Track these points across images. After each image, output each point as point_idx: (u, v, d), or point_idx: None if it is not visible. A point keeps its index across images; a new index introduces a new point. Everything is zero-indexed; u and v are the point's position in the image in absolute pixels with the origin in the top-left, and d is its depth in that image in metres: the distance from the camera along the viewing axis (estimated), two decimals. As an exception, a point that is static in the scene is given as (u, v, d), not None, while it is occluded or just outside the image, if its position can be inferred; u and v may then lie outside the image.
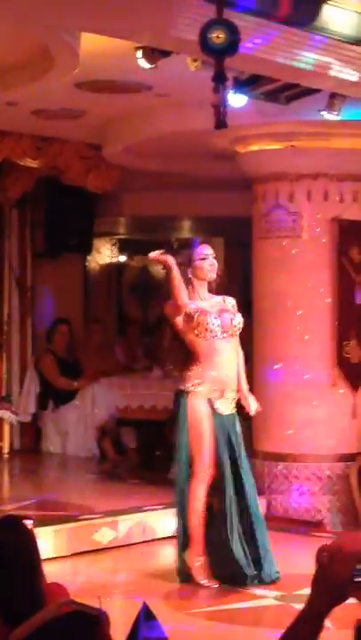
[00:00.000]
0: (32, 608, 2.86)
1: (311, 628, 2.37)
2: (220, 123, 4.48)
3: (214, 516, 6.51)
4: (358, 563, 2.32)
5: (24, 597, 2.90)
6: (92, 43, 6.13)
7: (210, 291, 6.72)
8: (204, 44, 4.31)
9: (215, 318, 6.56)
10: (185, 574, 6.52)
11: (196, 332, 6.53)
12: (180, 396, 6.59)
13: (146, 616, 2.96)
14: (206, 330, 6.52)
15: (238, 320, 6.69)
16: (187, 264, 6.59)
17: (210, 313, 6.57)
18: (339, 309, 8.70)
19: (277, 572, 6.56)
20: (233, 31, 4.30)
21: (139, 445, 10.74)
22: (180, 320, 6.53)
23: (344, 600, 2.35)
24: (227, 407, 6.60)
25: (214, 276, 6.67)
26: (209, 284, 6.70)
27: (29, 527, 3.17)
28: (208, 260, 6.62)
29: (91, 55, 6.35)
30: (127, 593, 6.21)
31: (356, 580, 2.32)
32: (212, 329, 6.53)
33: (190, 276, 6.61)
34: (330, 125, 7.92)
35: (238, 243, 12.79)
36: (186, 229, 13.61)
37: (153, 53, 6.04)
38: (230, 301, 6.78)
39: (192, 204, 12.12)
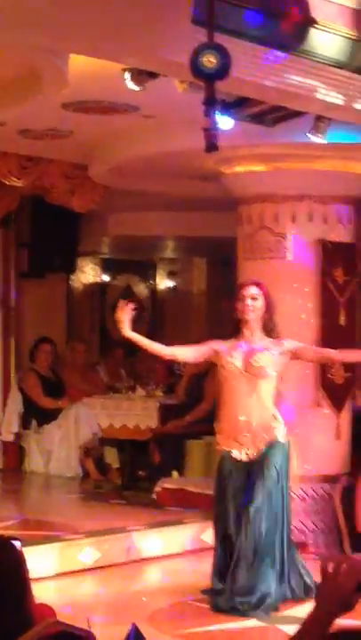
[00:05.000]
0: (20, 629, 2.85)
1: (316, 638, 2.38)
2: (211, 146, 4.50)
3: None
4: None
5: (12, 618, 2.89)
6: (80, 63, 6.15)
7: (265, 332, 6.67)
8: (196, 67, 4.33)
9: (234, 358, 6.54)
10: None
11: (220, 371, 6.60)
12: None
13: (136, 637, 2.96)
14: (223, 368, 6.56)
15: (258, 359, 6.54)
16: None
17: (235, 352, 6.56)
18: (323, 330, 8.73)
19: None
20: (224, 55, 4.33)
21: (122, 465, 10.72)
22: (216, 359, 6.58)
23: (350, 610, 2.37)
24: (242, 453, 6.54)
25: (252, 317, 6.59)
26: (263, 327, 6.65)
27: (18, 548, 3.16)
28: (244, 300, 6.58)
29: (78, 76, 6.37)
30: (112, 614, 6.19)
31: None
32: (230, 369, 6.53)
33: (233, 316, 6.68)
34: (315, 148, 7.96)
35: (222, 263, 12.85)
36: (170, 249, 13.68)
37: (141, 75, 6.07)
38: (288, 345, 6.65)
39: (176, 225, 12.17)
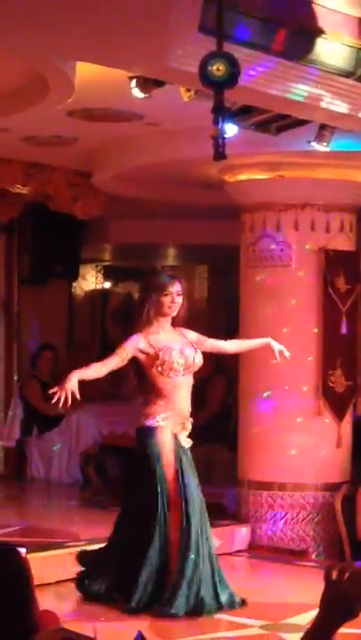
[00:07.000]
0: (25, 635, 2.86)
1: None
2: (219, 154, 4.51)
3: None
4: None
5: (17, 625, 2.90)
6: (85, 71, 6.17)
7: (172, 324, 6.71)
8: (204, 76, 4.35)
9: (180, 357, 6.58)
10: None
11: (159, 369, 6.54)
12: (147, 431, 6.60)
13: (142, 645, 2.96)
14: (171, 369, 6.55)
15: (199, 358, 6.70)
16: (151, 295, 6.61)
17: (174, 351, 6.57)
18: (325, 339, 8.74)
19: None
20: (233, 64, 4.34)
21: (122, 472, 10.71)
22: (142, 356, 6.55)
23: (355, 617, 2.38)
24: (186, 440, 6.64)
25: (174, 314, 6.64)
26: (173, 317, 6.69)
27: (23, 555, 3.17)
28: (170, 297, 6.60)
29: (84, 83, 6.39)
30: (115, 621, 6.19)
31: None
32: (177, 368, 6.56)
33: (152, 309, 6.59)
34: (318, 156, 7.98)
35: (223, 271, 12.87)
36: (171, 257, 13.67)
37: (147, 83, 6.09)
38: (191, 336, 6.76)
39: (178, 232, 12.17)
